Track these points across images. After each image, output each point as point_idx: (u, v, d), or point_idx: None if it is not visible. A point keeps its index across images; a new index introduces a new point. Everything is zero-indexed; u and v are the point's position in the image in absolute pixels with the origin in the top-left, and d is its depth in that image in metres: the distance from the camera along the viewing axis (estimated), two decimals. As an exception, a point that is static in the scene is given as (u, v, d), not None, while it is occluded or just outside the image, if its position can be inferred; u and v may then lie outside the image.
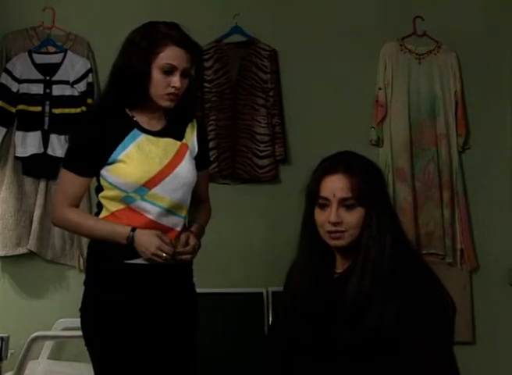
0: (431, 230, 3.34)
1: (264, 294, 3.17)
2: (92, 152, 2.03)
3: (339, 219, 1.63)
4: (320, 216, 1.67)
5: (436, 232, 3.33)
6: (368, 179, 1.66)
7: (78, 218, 2.08)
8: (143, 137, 2.07)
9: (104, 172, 2.05)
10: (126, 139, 2.05)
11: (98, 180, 2.09)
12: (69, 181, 2.07)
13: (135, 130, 2.07)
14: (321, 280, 1.68)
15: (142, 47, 2.02)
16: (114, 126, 2.05)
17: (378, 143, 3.42)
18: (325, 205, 1.66)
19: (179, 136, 2.13)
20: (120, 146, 2.03)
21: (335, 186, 1.64)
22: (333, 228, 1.64)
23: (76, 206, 2.09)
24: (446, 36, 3.45)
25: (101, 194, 2.09)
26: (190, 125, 2.18)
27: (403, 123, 3.39)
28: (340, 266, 1.70)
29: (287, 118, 3.43)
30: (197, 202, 2.23)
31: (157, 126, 2.12)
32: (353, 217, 1.63)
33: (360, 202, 1.63)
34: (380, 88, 3.41)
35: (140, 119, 2.10)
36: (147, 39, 2.02)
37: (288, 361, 1.68)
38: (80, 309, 2.11)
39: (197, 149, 2.18)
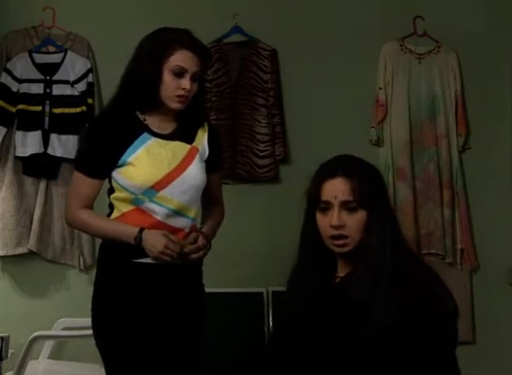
0: (431, 229, 3.34)
1: (265, 293, 3.17)
2: (102, 155, 2.08)
3: (342, 222, 1.61)
4: (322, 221, 1.65)
5: (436, 232, 3.33)
6: (369, 181, 1.65)
7: (89, 218, 2.12)
8: (152, 140, 2.11)
9: (115, 174, 2.10)
10: (136, 142, 2.09)
11: (110, 182, 2.14)
12: (80, 183, 2.12)
13: (145, 134, 2.11)
14: (324, 285, 1.67)
15: (153, 50, 2.08)
16: (124, 129, 2.09)
17: (379, 143, 3.42)
18: (326, 208, 1.64)
19: (189, 139, 2.16)
20: (130, 149, 2.07)
21: (336, 189, 1.62)
22: (336, 232, 1.62)
23: (89, 207, 2.14)
24: (446, 36, 3.45)
25: (112, 196, 2.13)
26: (201, 128, 2.21)
27: (403, 122, 3.39)
28: (342, 270, 1.69)
29: (287, 118, 3.43)
30: (209, 205, 2.27)
31: (167, 129, 2.15)
32: (355, 220, 1.62)
33: (361, 205, 1.61)
34: (380, 88, 3.41)
35: (151, 122, 2.14)
36: (159, 43, 2.09)
37: (289, 370, 1.66)
38: (92, 310, 2.13)
39: (207, 152, 2.20)
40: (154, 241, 2.02)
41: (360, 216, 1.62)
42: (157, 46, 2.08)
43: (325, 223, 1.64)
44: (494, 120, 3.50)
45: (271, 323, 3.09)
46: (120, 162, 2.08)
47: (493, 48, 3.50)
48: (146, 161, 2.07)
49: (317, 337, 1.61)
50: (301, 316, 1.66)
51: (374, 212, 1.62)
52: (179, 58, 2.06)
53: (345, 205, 1.62)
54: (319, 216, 1.66)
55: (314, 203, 1.67)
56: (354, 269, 1.63)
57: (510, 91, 3.49)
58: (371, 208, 1.62)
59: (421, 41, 3.46)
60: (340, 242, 1.63)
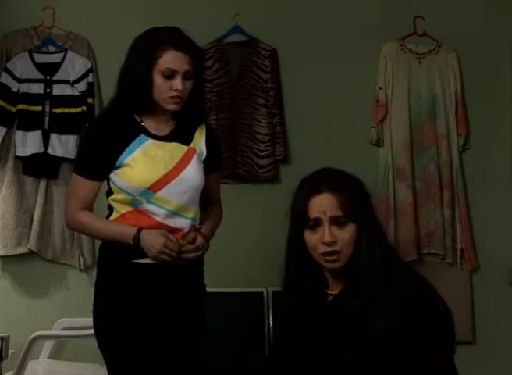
0: (431, 229, 3.34)
1: (265, 293, 3.17)
2: (100, 157, 2.09)
3: (334, 237, 1.59)
4: (312, 238, 1.62)
5: (436, 232, 3.33)
6: (354, 194, 1.63)
7: (89, 220, 2.13)
8: (149, 142, 2.11)
9: (112, 176, 2.11)
10: (133, 144, 2.09)
11: (108, 184, 2.14)
12: (79, 185, 2.13)
13: (142, 135, 2.11)
14: (317, 303, 1.65)
15: (143, 53, 2.07)
16: (121, 132, 2.10)
17: (379, 143, 3.42)
18: (315, 225, 1.61)
19: (186, 140, 2.17)
20: (126, 151, 2.08)
21: (323, 205, 1.60)
22: (329, 248, 1.59)
23: (89, 209, 2.15)
24: (446, 36, 3.45)
25: (110, 197, 2.14)
26: (199, 129, 2.21)
27: (403, 122, 3.39)
28: (333, 286, 1.66)
29: (287, 118, 3.43)
30: (208, 205, 2.27)
31: (165, 130, 2.15)
32: (346, 234, 1.59)
33: (351, 218, 1.59)
34: (381, 88, 3.41)
35: (148, 123, 2.14)
36: (148, 45, 2.08)
37: None
38: (93, 311, 2.13)
39: (205, 153, 2.20)
40: (153, 241, 2.02)
41: (351, 229, 1.60)
42: (146, 48, 2.07)
43: (316, 240, 1.61)
44: (494, 120, 3.50)
45: (271, 323, 3.09)
46: (117, 163, 2.08)
47: (493, 48, 3.50)
48: (142, 162, 2.07)
49: (315, 356, 1.59)
50: (297, 337, 1.64)
51: (362, 224, 1.60)
52: (168, 59, 2.05)
53: (335, 220, 1.59)
54: (308, 234, 1.63)
55: (301, 221, 1.63)
56: (348, 285, 1.61)
57: (510, 91, 3.48)
58: (359, 220, 1.60)
59: (421, 40, 3.46)
60: (332, 258, 1.60)
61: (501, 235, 3.43)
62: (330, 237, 1.58)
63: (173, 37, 2.08)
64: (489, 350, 3.35)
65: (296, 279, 1.68)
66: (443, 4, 3.51)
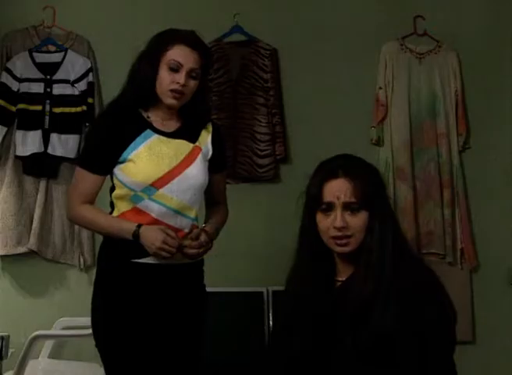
0: (431, 229, 3.34)
1: (265, 293, 3.17)
2: (104, 151, 2.08)
3: (345, 223, 1.60)
4: (324, 222, 1.64)
5: (436, 231, 3.33)
6: (370, 182, 1.64)
7: (90, 215, 2.12)
8: (155, 137, 2.10)
9: (116, 170, 2.10)
10: (138, 139, 2.08)
11: (112, 179, 2.14)
12: (82, 179, 2.12)
13: (148, 131, 2.11)
14: (324, 288, 1.66)
15: (153, 48, 2.10)
16: (127, 126, 2.09)
17: (379, 142, 3.42)
18: (328, 209, 1.62)
19: (192, 138, 2.16)
20: (131, 145, 2.07)
21: (338, 190, 1.61)
22: (339, 233, 1.61)
23: (91, 203, 2.14)
24: (447, 35, 3.45)
25: (113, 194, 2.14)
26: (205, 128, 2.21)
27: (403, 122, 3.39)
28: (342, 272, 1.68)
29: (287, 117, 3.43)
30: (213, 204, 2.27)
31: (171, 127, 2.15)
32: (358, 221, 1.61)
33: (364, 206, 1.61)
34: (381, 88, 3.41)
35: (155, 119, 2.14)
36: (159, 40, 2.10)
37: (290, 372, 1.65)
38: (91, 309, 2.13)
39: (211, 152, 2.20)
40: (152, 237, 2.01)
41: (363, 216, 1.61)
42: (157, 43, 2.10)
43: (327, 224, 1.63)
44: (494, 120, 3.49)
45: (271, 323, 3.09)
46: (121, 158, 2.08)
47: (493, 48, 3.50)
48: (146, 158, 2.06)
49: (320, 341, 1.60)
50: (302, 322, 1.64)
51: (375, 212, 1.62)
52: (176, 53, 2.06)
53: (348, 206, 1.61)
54: (320, 217, 1.64)
55: (315, 204, 1.65)
56: (356, 272, 1.62)
57: (510, 91, 3.48)
58: (372, 208, 1.62)
59: (421, 40, 3.46)
60: (343, 242, 1.62)
61: (501, 235, 3.43)
62: (341, 223, 1.60)
63: (185, 35, 2.10)
64: (489, 350, 3.34)
65: (307, 263, 1.69)
66: (443, 4, 3.51)
